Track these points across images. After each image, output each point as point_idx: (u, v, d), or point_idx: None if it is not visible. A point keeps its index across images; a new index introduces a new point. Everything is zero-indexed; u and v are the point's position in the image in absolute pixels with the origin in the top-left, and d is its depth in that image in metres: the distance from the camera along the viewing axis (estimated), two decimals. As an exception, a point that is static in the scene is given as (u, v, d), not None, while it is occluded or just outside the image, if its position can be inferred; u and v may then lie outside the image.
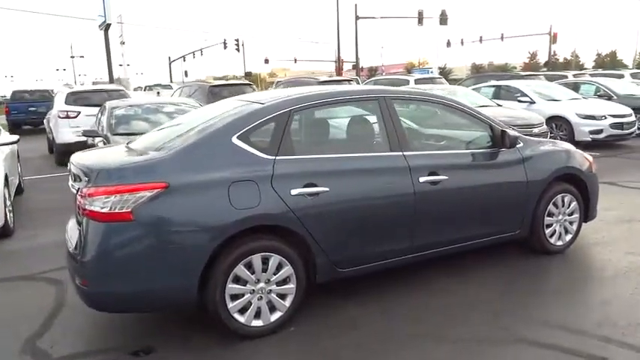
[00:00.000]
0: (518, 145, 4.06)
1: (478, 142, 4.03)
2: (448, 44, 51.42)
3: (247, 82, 13.80)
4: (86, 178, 2.93)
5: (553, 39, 39.21)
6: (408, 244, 3.63)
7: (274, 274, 3.14)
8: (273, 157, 3.16)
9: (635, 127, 10.56)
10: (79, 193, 2.98)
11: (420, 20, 34.83)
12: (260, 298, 3.13)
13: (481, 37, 47.35)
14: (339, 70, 55.88)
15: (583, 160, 4.54)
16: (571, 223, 4.47)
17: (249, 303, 3.10)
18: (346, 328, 3.27)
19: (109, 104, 7.70)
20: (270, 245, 3.11)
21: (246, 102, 3.56)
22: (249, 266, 3.07)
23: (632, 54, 72.78)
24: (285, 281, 3.20)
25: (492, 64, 77.17)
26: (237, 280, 3.04)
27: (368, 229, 3.44)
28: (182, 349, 3.08)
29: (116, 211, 2.76)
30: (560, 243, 4.43)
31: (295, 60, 58.53)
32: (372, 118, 3.65)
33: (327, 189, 3.22)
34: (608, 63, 70.18)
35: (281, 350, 3.08)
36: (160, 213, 2.83)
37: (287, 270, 3.17)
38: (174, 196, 2.85)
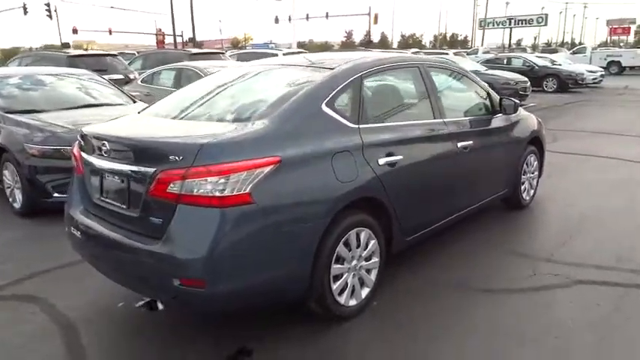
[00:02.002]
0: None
1: (484, 109, 4.29)
2: (276, 20, 52.21)
3: (112, 53, 12.17)
4: (173, 157, 2.37)
5: (374, 19, 42.47)
6: (450, 208, 3.76)
7: (364, 250, 2.99)
8: (358, 126, 2.96)
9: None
10: (159, 174, 2.40)
11: (255, -5, 34.52)
12: (354, 276, 2.95)
13: (307, 15, 49.00)
14: (159, 44, 52.45)
15: (539, 124, 5.16)
16: (533, 179, 5.09)
17: (346, 283, 2.91)
18: (422, 297, 3.27)
19: (-22, 75, 6.14)
20: (363, 219, 2.94)
21: (303, 66, 3.26)
22: (346, 243, 2.86)
23: (430, 37, 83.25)
24: (370, 256, 3.06)
25: (313, 42, 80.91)
26: (338, 259, 2.82)
27: (429, 195, 3.48)
28: (281, 342, 2.76)
29: (234, 193, 2.31)
30: (527, 198, 5.02)
31: (110, 31, 53.32)
32: (417, 86, 3.63)
33: (401, 157, 3.14)
34: (412, 44, 79.28)
35: (377, 324, 2.97)
36: (276, 192, 2.45)
37: (374, 244, 3.04)
38: (287, 171, 2.49)
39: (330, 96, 2.88)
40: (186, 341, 2.83)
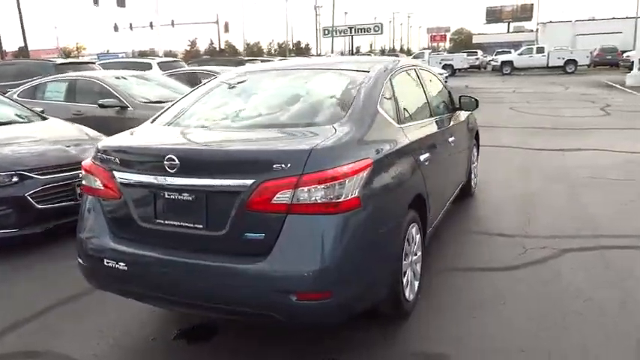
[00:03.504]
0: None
1: (448, 106, 4.65)
2: (116, 28, 48.96)
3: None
4: (278, 165, 2.22)
5: (225, 28, 42.14)
6: (446, 197, 4.06)
7: (415, 244, 3.09)
8: (401, 126, 3.06)
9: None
10: (261, 185, 2.22)
11: (96, 1, 31.98)
12: (411, 271, 3.04)
13: (151, 23, 46.71)
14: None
15: (475, 119, 5.74)
16: (475, 168, 5.65)
17: (407, 279, 2.98)
18: (443, 283, 3.49)
19: None
20: (415, 215, 3.04)
21: (330, 69, 3.26)
22: (406, 240, 2.93)
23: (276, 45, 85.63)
24: (417, 250, 3.17)
25: (155, 52, 77.18)
26: (404, 255, 2.88)
27: (440, 186, 3.71)
28: (360, 349, 2.73)
29: (348, 198, 2.26)
30: (474, 185, 5.56)
31: None
32: (418, 87, 3.82)
33: (429, 154, 3.31)
34: (256, 52, 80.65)
35: (431, 310, 3.10)
36: (372, 194, 2.44)
37: (419, 238, 3.16)
38: (377, 173, 2.50)
39: (380, 97, 2.94)
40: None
